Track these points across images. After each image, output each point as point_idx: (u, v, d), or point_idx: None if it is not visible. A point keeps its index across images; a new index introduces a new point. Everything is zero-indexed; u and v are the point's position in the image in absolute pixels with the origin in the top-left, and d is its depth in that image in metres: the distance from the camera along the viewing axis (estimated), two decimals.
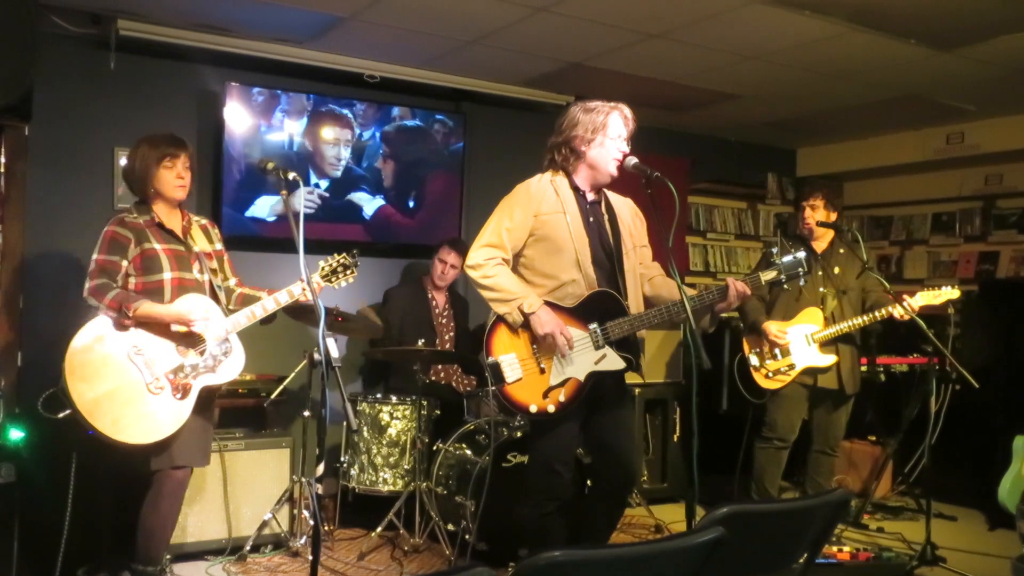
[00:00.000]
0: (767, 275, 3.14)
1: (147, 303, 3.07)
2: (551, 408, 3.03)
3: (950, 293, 4.21)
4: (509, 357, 3.04)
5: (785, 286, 3.33)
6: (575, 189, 3.16)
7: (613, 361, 3.09)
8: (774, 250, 3.20)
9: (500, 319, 3.06)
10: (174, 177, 3.25)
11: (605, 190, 3.27)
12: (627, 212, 3.30)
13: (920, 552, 4.12)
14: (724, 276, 6.86)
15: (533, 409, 3.03)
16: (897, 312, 4.12)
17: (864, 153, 6.86)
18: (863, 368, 4.83)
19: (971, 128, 6.14)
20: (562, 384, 3.04)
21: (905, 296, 4.13)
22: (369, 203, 5.27)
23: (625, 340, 3.12)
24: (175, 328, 3.13)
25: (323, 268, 3.42)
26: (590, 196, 3.20)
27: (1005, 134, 5.98)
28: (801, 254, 3.16)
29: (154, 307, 3.08)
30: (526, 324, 3.02)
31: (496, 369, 3.02)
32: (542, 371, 3.04)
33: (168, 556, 3.56)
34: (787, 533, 1.92)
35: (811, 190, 4.39)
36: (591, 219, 3.16)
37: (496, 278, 3.04)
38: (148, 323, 3.09)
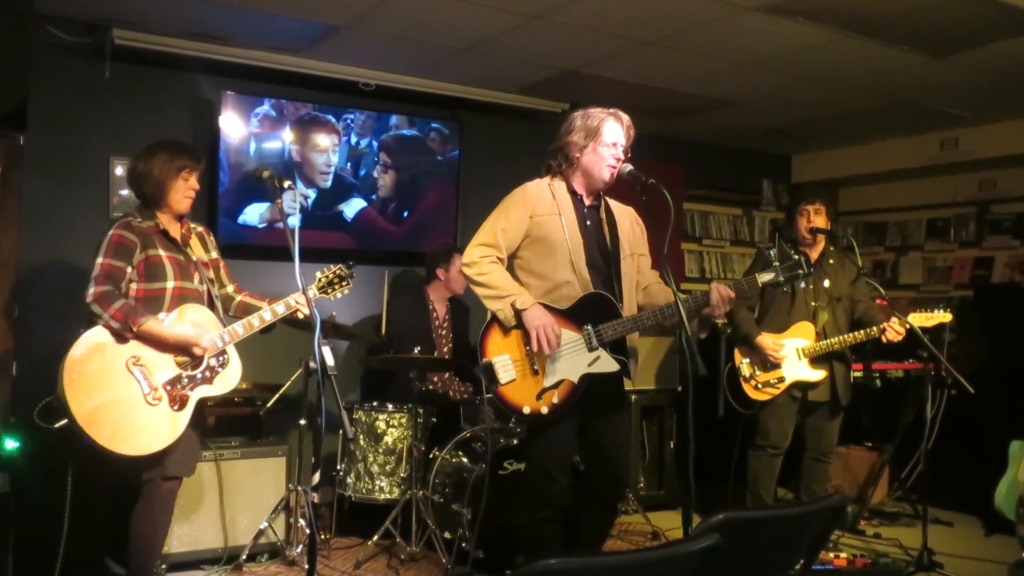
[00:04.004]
0: (764, 276, 3.11)
1: (152, 320, 3.04)
2: (544, 410, 3.03)
3: (942, 316, 4.20)
4: (503, 358, 3.05)
5: (784, 288, 3.31)
6: (572, 193, 3.18)
7: (607, 363, 3.09)
8: (772, 252, 3.18)
9: (494, 320, 3.08)
10: (187, 189, 3.26)
11: (607, 198, 3.28)
12: (627, 220, 3.31)
13: (917, 558, 4.13)
14: (720, 282, 6.95)
15: (526, 410, 3.03)
16: (887, 336, 4.12)
17: (859, 159, 6.88)
18: (859, 374, 4.84)
19: (965, 134, 6.16)
20: (556, 386, 3.04)
21: (895, 316, 4.13)
22: (349, 206, 5.25)
23: (619, 344, 3.12)
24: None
25: (319, 280, 3.43)
26: (588, 201, 3.21)
27: (999, 140, 6.00)
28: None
29: (158, 327, 3.04)
30: (519, 324, 3.04)
31: (489, 369, 3.03)
32: (535, 372, 3.05)
33: (163, 565, 3.55)
34: (783, 539, 1.92)
35: (813, 195, 4.38)
36: (588, 222, 3.18)
37: (490, 275, 3.06)
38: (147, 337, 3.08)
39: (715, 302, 3.04)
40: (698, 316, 3.13)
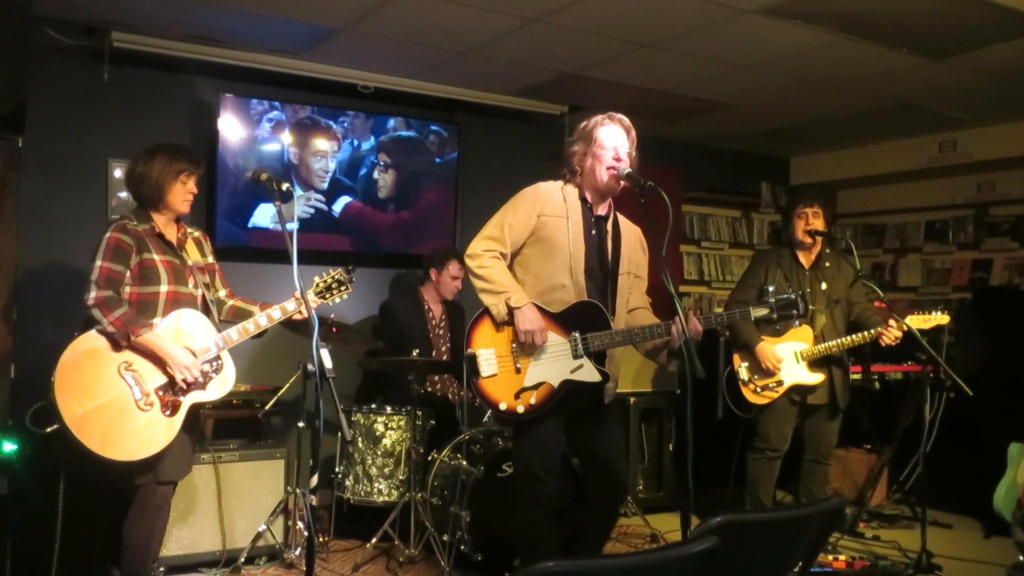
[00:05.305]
0: (758, 311, 3.13)
1: (149, 332, 3.03)
2: (520, 409, 3.04)
3: (940, 318, 4.21)
4: (487, 352, 3.07)
5: (776, 327, 3.30)
6: (583, 201, 3.19)
7: (589, 373, 3.09)
8: (771, 288, 3.20)
9: (485, 313, 3.09)
10: (186, 192, 3.26)
11: (619, 214, 3.29)
12: (633, 239, 3.31)
13: (916, 560, 4.13)
14: (718, 285, 6.97)
15: (503, 407, 3.05)
16: (884, 338, 4.12)
17: (857, 161, 6.88)
18: (858, 376, 4.84)
19: (963, 136, 6.17)
20: (535, 387, 3.05)
21: (893, 319, 4.13)
22: (345, 209, 5.22)
23: (602, 358, 3.12)
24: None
25: (317, 284, 3.41)
26: (597, 210, 3.21)
27: (997, 142, 6.00)
28: (795, 296, 3.10)
29: (155, 340, 3.03)
30: (510, 321, 3.05)
31: (472, 361, 3.05)
32: (518, 371, 3.06)
33: (161, 568, 3.54)
34: (782, 542, 1.92)
35: (811, 197, 4.39)
36: (593, 231, 3.18)
37: (490, 270, 3.08)
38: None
39: (676, 335, 2.98)
40: (667, 347, 3.12)
